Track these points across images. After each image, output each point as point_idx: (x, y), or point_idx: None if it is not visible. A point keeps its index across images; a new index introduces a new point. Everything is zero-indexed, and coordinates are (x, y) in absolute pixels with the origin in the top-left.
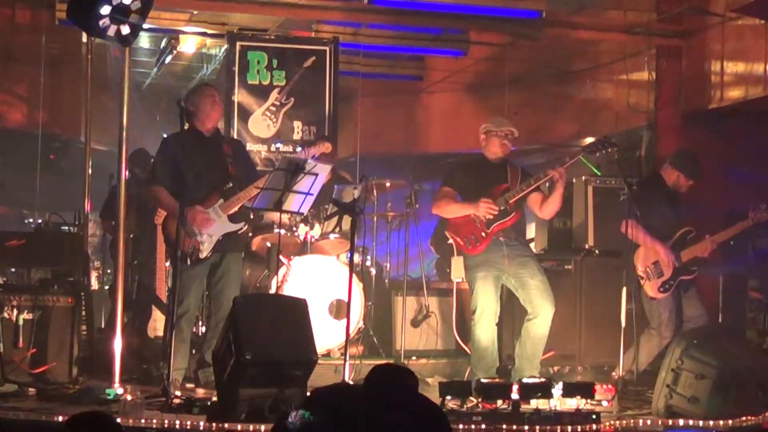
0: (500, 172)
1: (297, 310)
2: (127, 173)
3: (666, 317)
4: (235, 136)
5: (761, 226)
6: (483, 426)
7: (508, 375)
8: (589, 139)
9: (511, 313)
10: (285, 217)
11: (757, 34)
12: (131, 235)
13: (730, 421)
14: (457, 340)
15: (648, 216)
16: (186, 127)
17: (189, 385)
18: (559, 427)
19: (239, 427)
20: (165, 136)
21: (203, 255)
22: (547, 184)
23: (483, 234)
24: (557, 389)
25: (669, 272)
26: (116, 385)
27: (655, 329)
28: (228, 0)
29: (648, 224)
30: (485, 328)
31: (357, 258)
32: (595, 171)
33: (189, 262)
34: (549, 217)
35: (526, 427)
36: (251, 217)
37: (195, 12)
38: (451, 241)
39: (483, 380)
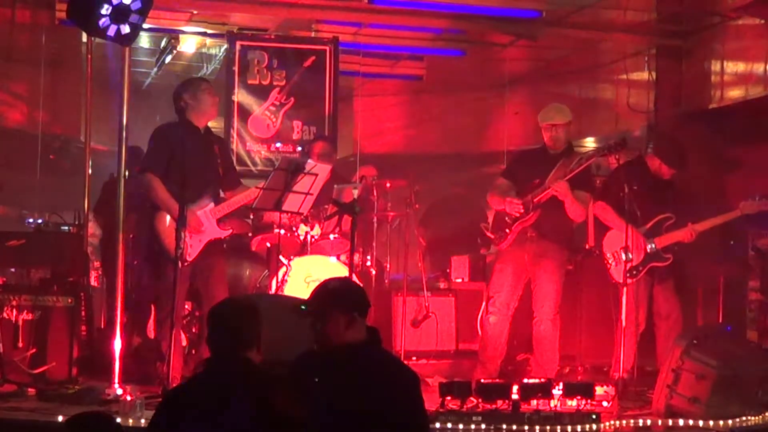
0: (552, 164)
1: (297, 310)
2: (126, 173)
3: (633, 304)
4: (235, 136)
5: (753, 219)
6: (483, 426)
7: (508, 376)
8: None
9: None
10: (285, 217)
11: (757, 34)
12: (131, 235)
13: (730, 421)
14: (459, 336)
15: (624, 198)
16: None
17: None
18: (559, 428)
19: None
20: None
21: (190, 258)
22: None
23: (507, 230)
24: (557, 389)
25: (639, 257)
26: (116, 385)
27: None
28: (228, 0)
29: (623, 206)
30: (495, 318)
31: (357, 258)
32: None
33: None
34: (578, 220)
35: (527, 428)
36: (250, 218)
37: (195, 12)
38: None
39: (483, 380)
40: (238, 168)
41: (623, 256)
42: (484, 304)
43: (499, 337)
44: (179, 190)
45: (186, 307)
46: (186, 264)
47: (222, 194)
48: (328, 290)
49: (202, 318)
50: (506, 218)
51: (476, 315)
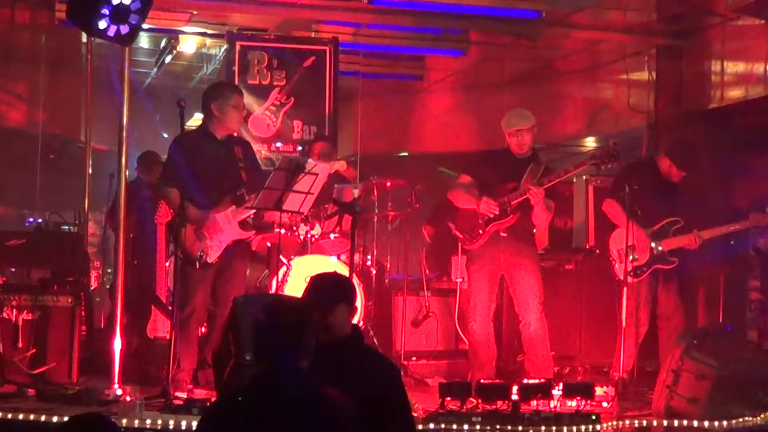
0: (520, 168)
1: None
2: (128, 173)
3: (635, 304)
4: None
5: (760, 227)
6: (483, 427)
7: (507, 376)
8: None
9: (512, 313)
10: (285, 217)
11: (757, 34)
12: (131, 235)
13: (730, 422)
14: (460, 335)
15: (633, 198)
16: (189, 123)
17: (188, 386)
18: (559, 428)
19: None
20: (167, 135)
21: (211, 260)
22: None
23: (480, 231)
24: (557, 390)
25: (644, 258)
26: (116, 385)
27: (630, 318)
28: (228, 0)
29: (631, 206)
30: (478, 323)
31: (357, 258)
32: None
33: (198, 266)
34: (541, 227)
35: (527, 428)
36: (262, 221)
37: (195, 12)
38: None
39: (483, 381)
40: None
41: (629, 256)
42: (457, 306)
43: (487, 339)
44: (185, 193)
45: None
46: (208, 265)
47: (247, 197)
48: (333, 283)
49: (211, 317)
50: (479, 219)
51: None
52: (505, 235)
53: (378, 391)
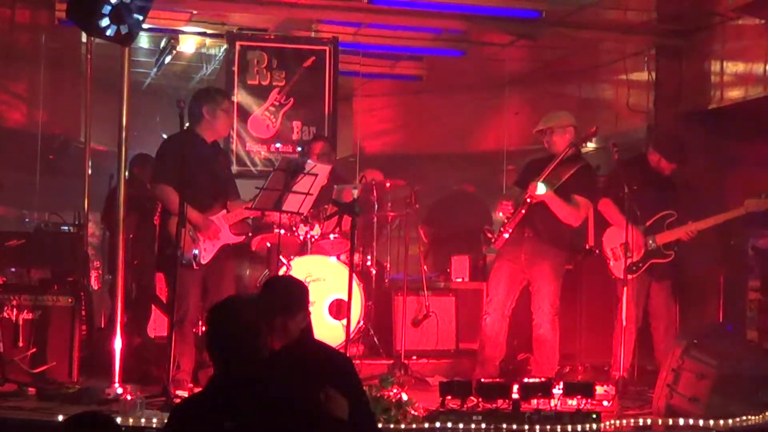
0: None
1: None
2: (126, 174)
3: (628, 300)
4: (235, 137)
5: (754, 217)
6: (483, 426)
7: (508, 375)
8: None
9: (514, 313)
10: (285, 217)
11: (757, 34)
12: (131, 236)
13: (730, 421)
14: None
15: (625, 195)
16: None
17: (189, 384)
18: (559, 427)
19: None
20: (166, 136)
21: (204, 261)
22: None
23: (502, 229)
24: (558, 389)
25: (639, 254)
26: (116, 384)
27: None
28: (228, 0)
29: (630, 205)
30: (492, 318)
31: (357, 258)
32: None
33: (193, 267)
34: (573, 224)
35: (527, 427)
36: (249, 229)
37: (195, 12)
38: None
39: (483, 380)
40: (238, 168)
41: (622, 253)
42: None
43: (496, 337)
44: (181, 193)
45: None
46: (200, 267)
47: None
48: (298, 289)
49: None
50: (505, 219)
51: (477, 315)
52: (530, 234)
53: (336, 382)
